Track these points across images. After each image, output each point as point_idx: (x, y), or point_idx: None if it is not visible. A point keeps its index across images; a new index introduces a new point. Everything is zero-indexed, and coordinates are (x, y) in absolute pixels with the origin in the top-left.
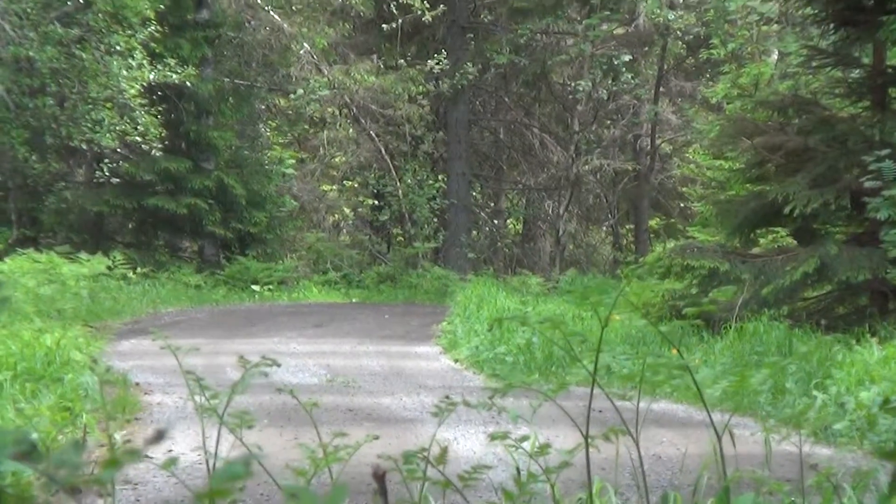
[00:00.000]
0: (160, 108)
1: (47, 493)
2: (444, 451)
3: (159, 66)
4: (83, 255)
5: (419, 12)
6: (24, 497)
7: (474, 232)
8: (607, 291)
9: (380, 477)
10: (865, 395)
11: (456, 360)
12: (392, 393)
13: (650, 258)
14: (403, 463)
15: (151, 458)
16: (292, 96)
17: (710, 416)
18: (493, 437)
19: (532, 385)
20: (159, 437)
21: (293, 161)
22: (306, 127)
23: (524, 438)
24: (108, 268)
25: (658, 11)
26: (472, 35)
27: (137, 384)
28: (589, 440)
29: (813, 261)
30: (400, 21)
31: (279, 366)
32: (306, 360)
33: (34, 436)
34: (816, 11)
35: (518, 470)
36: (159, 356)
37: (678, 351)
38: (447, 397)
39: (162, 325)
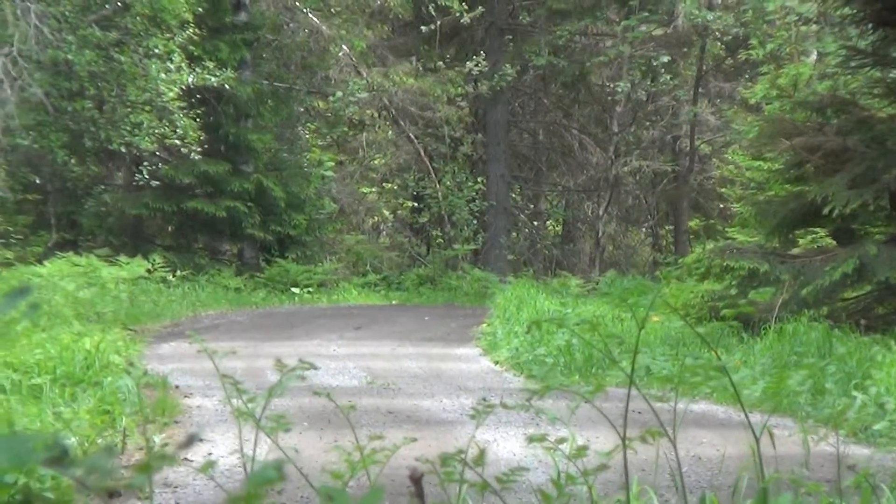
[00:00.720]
0: (199, 111)
1: (83, 497)
2: (482, 453)
3: (198, 69)
4: (122, 258)
5: (457, 14)
6: (64, 501)
7: (514, 234)
8: (646, 293)
9: (417, 479)
10: None
11: (496, 362)
12: (432, 395)
13: (689, 259)
14: (441, 465)
15: (191, 461)
16: (331, 98)
17: (747, 417)
18: (531, 440)
19: (570, 387)
20: (191, 441)
21: (332, 163)
22: (345, 129)
23: (562, 440)
24: (148, 271)
25: (696, 12)
26: (510, 37)
27: (177, 387)
28: (627, 442)
29: (852, 261)
30: (438, 23)
31: (317, 369)
32: (346, 363)
33: (68, 440)
34: (854, 12)
35: (558, 472)
36: (199, 359)
37: (716, 352)
38: (484, 399)
39: (201, 328)
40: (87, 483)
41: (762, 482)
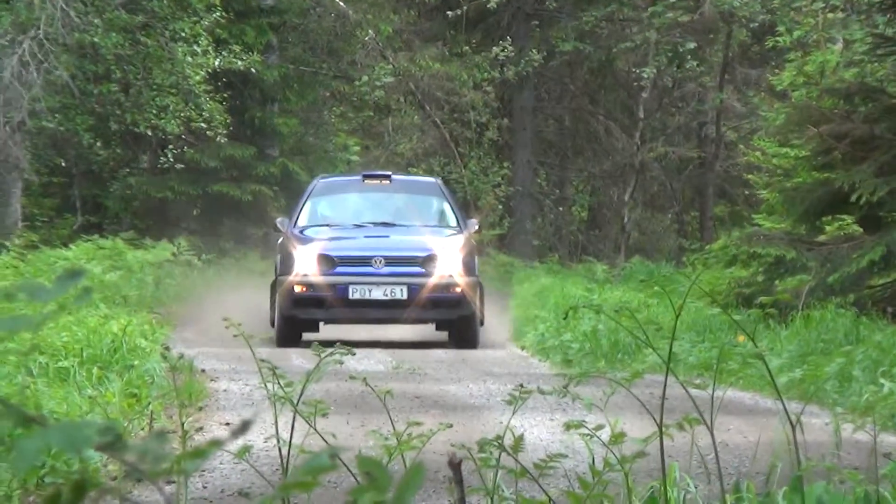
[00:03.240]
0: (225, 95)
1: (131, 481)
2: (520, 439)
3: (224, 53)
4: (148, 242)
5: None
6: (104, 484)
7: (539, 219)
8: (677, 280)
9: (456, 465)
10: None
11: (522, 348)
12: (458, 380)
13: (715, 246)
14: (479, 451)
15: (230, 444)
16: (357, 83)
17: (784, 405)
18: (568, 426)
19: (606, 373)
20: (245, 428)
21: (358, 148)
22: (371, 114)
23: (599, 427)
24: (173, 254)
25: None
26: (537, 22)
27: (203, 371)
28: (663, 429)
29: (879, 248)
30: (465, 8)
31: (353, 354)
32: (371, 348)
33: (116, 425)
34: None
35: (593, 458)
36: (223, 343)
37: (753, 341)
38: (521, 385)
39: (227, 313)
40: (139, 467)
41: (797, 469)
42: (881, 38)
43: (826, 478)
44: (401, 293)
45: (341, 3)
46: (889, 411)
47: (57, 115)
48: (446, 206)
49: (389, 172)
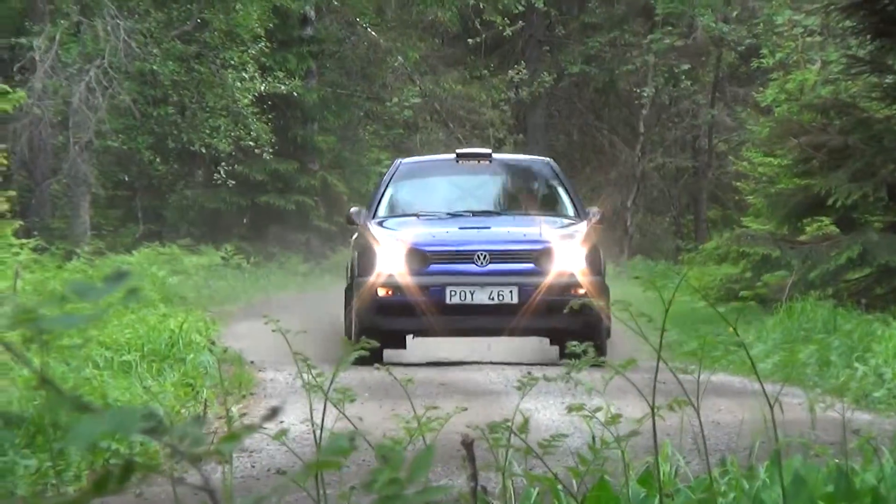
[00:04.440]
0: (270, 116)
1: (173, 461)
2: (526, 422)
3: (269, 78)
4: (202, 248)
5: (500, 28)
6: (152, 465)
7: None
8: (670, 276)
9: (468, 445)
10: None
11: (538, 339)
12: (479, 369)
13: (708, 246)
14: (490, 433)
15: (265, 428)
16: (388, 104)
17: (763, 388)
18: (570, 409)
19: (604, 360)
20: (274, 414)
21: (389, 162)
22: (401, 131)
23: (598, 409)
24: (224, 258)
25: (713, 25)
26: (547, 47)
27: (252, 363)
28: (655, 410)
29: (855, 247)
30: (483, 36)
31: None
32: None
33: (160, 411)
34: (855, 24)
35: (593, 437)
36: (271, 336)
37: (735, 331)
38: (528, 373)
39: (273, 310)
40: (179, 449)
41: (776, 445)
42: (854, 59)
43: (802, 452)
44: (510, 296)
45: (373, 33)
46: (862, 391)
47: (120, 135)
48: (561, 191)
49: (489, 150)
